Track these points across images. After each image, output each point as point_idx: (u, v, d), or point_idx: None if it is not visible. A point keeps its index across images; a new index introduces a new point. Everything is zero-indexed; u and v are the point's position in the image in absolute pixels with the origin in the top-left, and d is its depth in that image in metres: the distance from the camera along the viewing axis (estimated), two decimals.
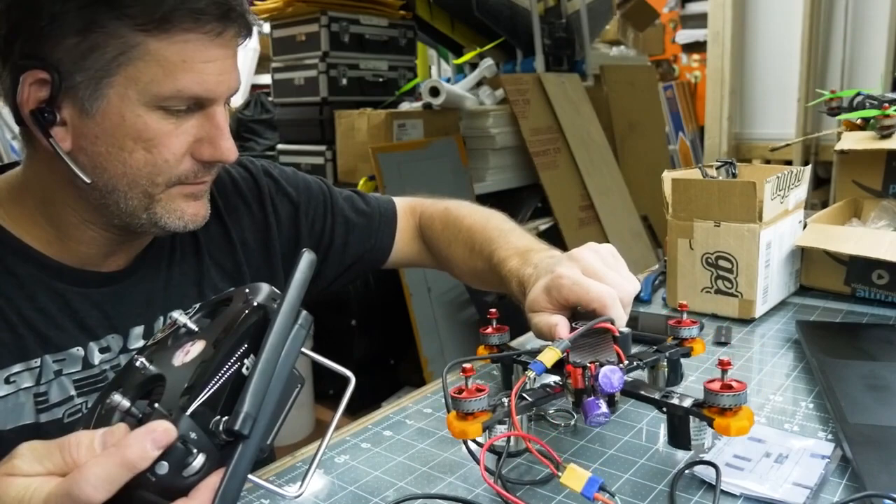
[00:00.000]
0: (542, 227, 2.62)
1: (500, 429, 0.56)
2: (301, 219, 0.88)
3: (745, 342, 0.89)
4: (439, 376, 0.83)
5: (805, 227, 1.04)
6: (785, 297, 1.02)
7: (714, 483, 0.56)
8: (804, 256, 1.05)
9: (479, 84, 2.73)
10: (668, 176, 1.01)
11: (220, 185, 0.82)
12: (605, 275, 0.67)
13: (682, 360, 0.69)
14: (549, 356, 0.56)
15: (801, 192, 1.03)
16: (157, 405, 0.44)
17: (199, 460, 0.43)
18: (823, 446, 0.62)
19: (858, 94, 1.18)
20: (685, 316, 0.69)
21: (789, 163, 3.02)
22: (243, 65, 4.48)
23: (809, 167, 1.05)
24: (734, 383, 0.53)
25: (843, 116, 1.18)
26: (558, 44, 2.99)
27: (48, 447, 0.44)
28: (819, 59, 3.24)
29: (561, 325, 0.64)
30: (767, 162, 2.81)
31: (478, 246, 0.87)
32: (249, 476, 0.45)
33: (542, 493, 0.58)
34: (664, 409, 0.58)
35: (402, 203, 0.99)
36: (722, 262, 0.94)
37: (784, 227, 0.98)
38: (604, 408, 0.55)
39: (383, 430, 0.70)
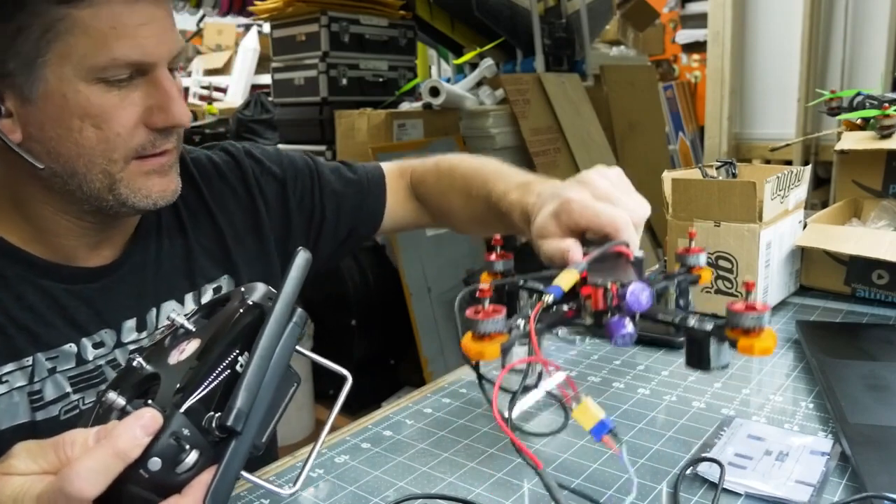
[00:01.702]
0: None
1: (516, 352, 0.53)
2: (289, 195, 0.86)
3: None
4: (439, 376, 0.83)
5: (805, 227, 1.04)
6: (785, 297, 1.02)
7: (716, 482, 0.56)
8: (804, 256, 1.05)
9: (479, 84, 2.73)
10: (668, 176, 1.01)
11: (203, 172, 0.81)
12: (616, 198, 0.64)
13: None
14: (567, 279, 0.54)
15: (801, 192, 1.03)
16: (150, 402, 0.44)
17: (191, 457, 0.43)
18: (823, 443, 0.62)
19: (858, 94, 1.18)
20: (692, 244, 0.67)
21: (789, 163, 3.02)
22: (243, 65, 4.49)
23: (809, 167, 1.05)
24: (757, 304, 0.52)
25: (843, 116, 1.18)
26: (558, 44, 2.98)
27: (43, 446, 0.45)
28: (819, 59, 3.25)
29: (573, 248, 0.61)
30: (767, 162, 2.81)
31: (475, 189, 0.85)
32: (244, 474, 0.45)
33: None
34: (683, 332, 0.56)
35: (390, 166, 0.97)
36: (722, 262, 0.94)
37: (784, 227, 0.98)
38: (629, 327, 0.53)
39: (383, 430, 0.70)
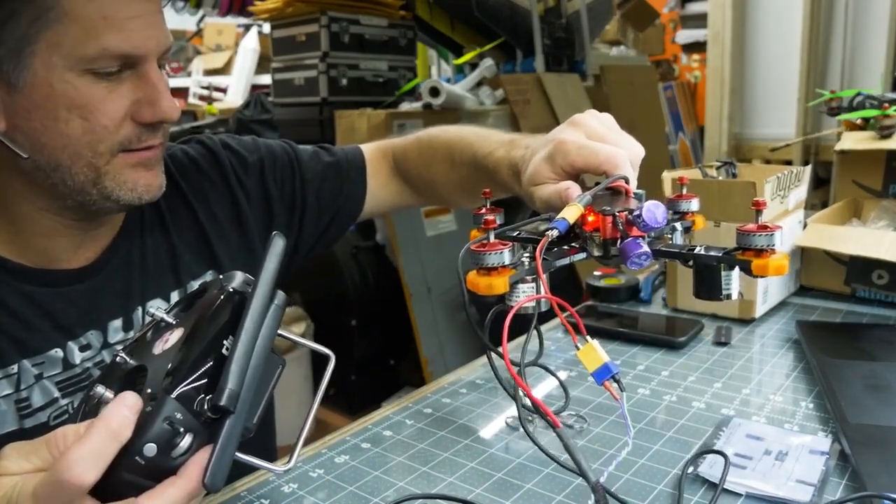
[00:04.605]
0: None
1: (523, 288, 0.52)
2: (269, 184, 0.85)
3: (745, 342, 0.89)
4: (439, 376, 0.83)
5: (805, 227, 1.04)
6: (785, 298, 1.02)
7: (716, 482, 0.56)
8: (804, 256, 1.05)
9: (479, 84, 2.73)
10: (668, 176, 1.01)
11: (180, 168, 0.80)
12: (610, 138, 0.64)
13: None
14: (572, 212, 0.53)
15: (801, 192, 1.03)
16: (141, 389, 0.44)
17: (186, 440, 0.43)
18: (822, 442, 0.62)
19: (858, 94, 1.18)
20: (685, 190, 0.66)
21: (789, 163, 3.02)
22: (243, 65, 4.49)
23: (809, 167, 1.05)
24: (769, 224, 0.51)
25: (843, 116, 1.18)
26: (558, 44, 2.98)
27: (34, 444, 0.44)
28: (819, 59, 3.24)
29: (572, 187, 0.60)
30: (767, 162, 2.81)
31: (458, 155, 0.84)
32: (238, 454, 0.45)
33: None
34: (690, 263, 0.55)
35: (370, 147, 0.95)
36: None
37: (784, 227, 0.98)
38: (645, 246, 0.51)
39: (383, 430, 0.70)
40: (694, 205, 0.65)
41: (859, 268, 0.99)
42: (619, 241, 0.54)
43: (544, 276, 0.51)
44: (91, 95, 0.60)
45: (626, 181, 0.59)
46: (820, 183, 2.97)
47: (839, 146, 1.12)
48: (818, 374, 0.73)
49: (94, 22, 0.58)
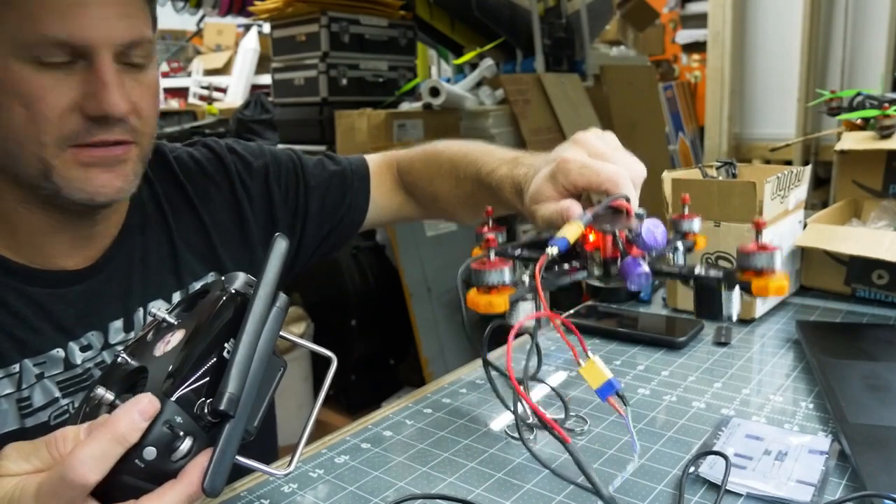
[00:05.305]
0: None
1: (523, 306, 0.52)
2: (273, 191, 0.85)
3: (745, 342, 0.89)
4: (439, 376, 0.83)
5: (805, 227, 1.04)
6: (785, 298, 1.02)
7: (717, 483, 0.56)
8: (804, 256, 1.05)
9: (479, 84, 2.73)
10: (668, 176, 1.01)
11: (185, 170, 0.80)
12: (612, 156, 0.64)
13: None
14: (572, 231, 0.53)
15: (801, 192, 1.03)
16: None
17: (186, 444, 0.43)
18: (821, 442, 0.62)
19: (858, 94, 1.18)
20: (686, 210, 0.66)
21: (789, 163, 3.02)
22: (243, 65, 4.49)
23: (809, 167, 1.05)
24: (768, 244, 0.51)
25: (843, 116, 1.18)
26: (558, 44, 2.98)
27: (34, 444, 0.45)
28: (819, 59, 3.25)
29: (573, 206, 0.61)
30: (767, 162, 2.81)
31: (462, 171, 0.84)
32: (238, 458, 0.45)
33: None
34: (690, 283, 0.55)
35: (375, 158, 0.95)
36: (722, 263, 0.94)
37: (784, 227, 0.98)
38: (645, 266, 0.51)
39: (383, 430, 0.70)
40: (696, 225, 0.66)
41: (859, 268, 0.99)
42: (619, 260, 0.54)
43: (544, 295, 0.52)
44: (35, 84, 0.59)
45: (628, 200, 0.59)
46: (820, 183, 2.97)
47: (839, 146, 1.12)
48: (818, 374, 0.73)
49: (33, 7, 0.57)
